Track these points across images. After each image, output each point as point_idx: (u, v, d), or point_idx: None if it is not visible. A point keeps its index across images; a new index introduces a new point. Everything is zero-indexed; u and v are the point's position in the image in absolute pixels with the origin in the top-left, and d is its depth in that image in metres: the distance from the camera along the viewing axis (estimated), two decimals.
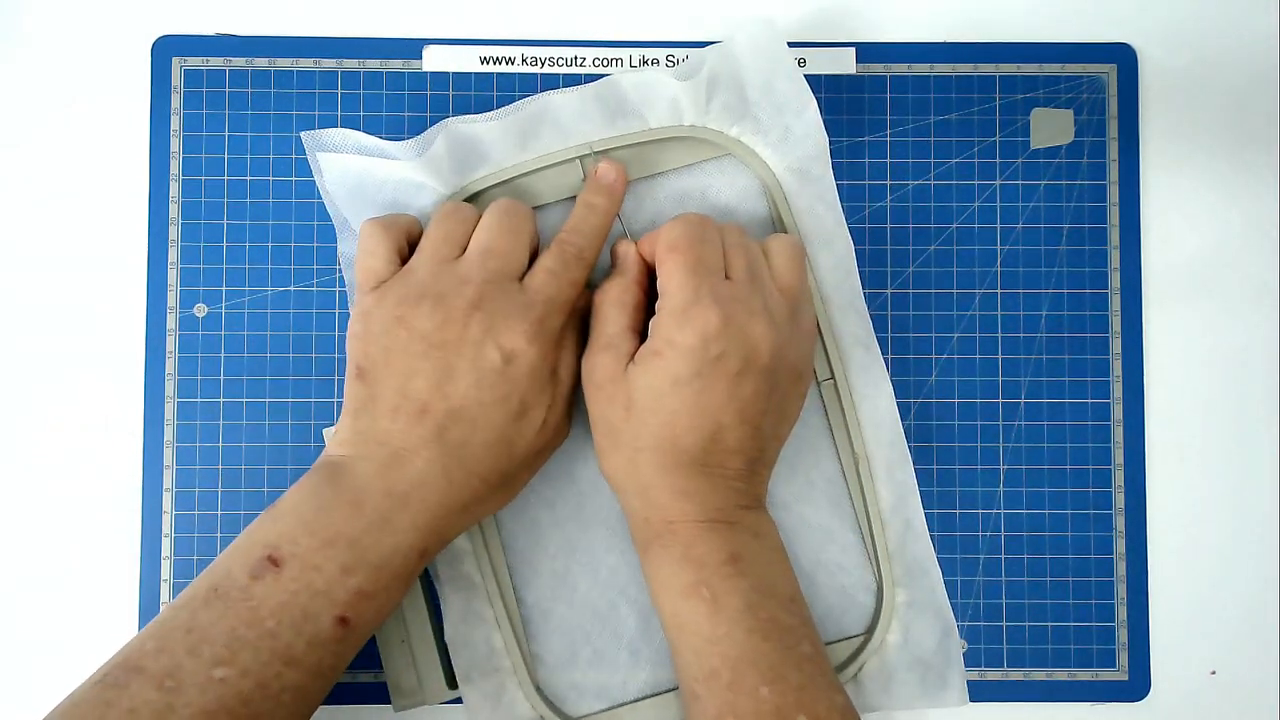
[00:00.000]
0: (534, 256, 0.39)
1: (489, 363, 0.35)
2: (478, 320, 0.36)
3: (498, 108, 0.43)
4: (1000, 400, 0.45)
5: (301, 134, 0.43)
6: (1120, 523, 0.44)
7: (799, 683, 0.34)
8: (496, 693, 0.41)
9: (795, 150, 0.42)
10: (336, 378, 0.44)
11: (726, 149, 0.43)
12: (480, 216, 0.39)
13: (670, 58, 0.45)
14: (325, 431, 0.43)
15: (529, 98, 0.42)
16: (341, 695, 0.43)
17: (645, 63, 0.45)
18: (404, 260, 0.38)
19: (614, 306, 0.38)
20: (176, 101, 0.45)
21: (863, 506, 0.43)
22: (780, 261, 0.39)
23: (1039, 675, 0.44)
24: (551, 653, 0.42)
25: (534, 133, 0.42)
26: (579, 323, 0.40)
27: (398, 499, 0.35)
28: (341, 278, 0.44)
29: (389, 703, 0.42)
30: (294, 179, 0.44)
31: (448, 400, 0.35)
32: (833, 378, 0.42)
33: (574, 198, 0.42)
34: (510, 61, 0.45)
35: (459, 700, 0.42)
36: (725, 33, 0.45)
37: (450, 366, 0.36)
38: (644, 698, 0.42)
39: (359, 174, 0.41)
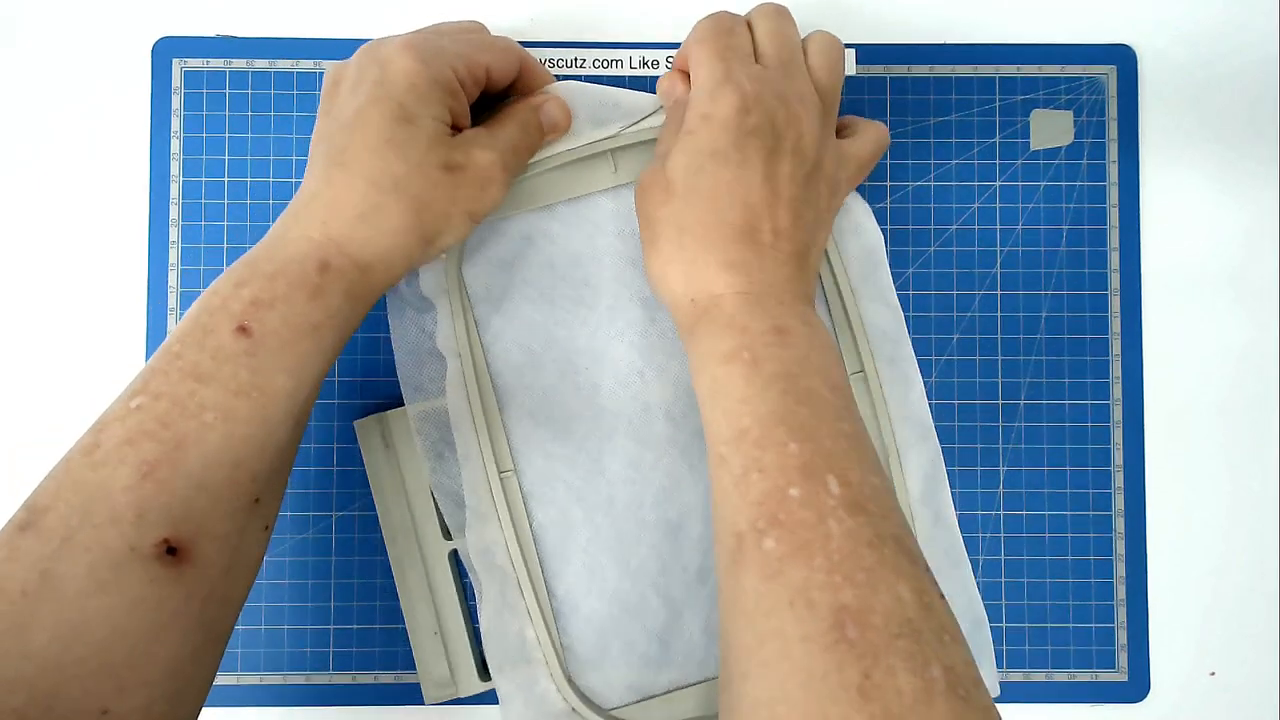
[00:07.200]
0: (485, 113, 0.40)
1: (369, 75, 0.36)
2: (371, 50, 0.37)
3: None
4: (1000, 400, 0.45)
5: None
6: (1120, 523, 0.44)
7: (831, 449, 0.32)
8: (529, 684, 0.41)
9: None
10: (336, 378, 0.44)
11: None
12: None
13: (670, 59, 0.45)
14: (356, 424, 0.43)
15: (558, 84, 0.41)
16: (361, 696, 0.44)
17: (645, 64, 0.45)
18: None
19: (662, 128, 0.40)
20: (177, 102, 0.45)
21: None
22: (818, 61, 0.39)
23: (1038, 676, 0.44)
24: (583, 645, 0.42)
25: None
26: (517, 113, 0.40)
27: (291, 216, 0.36)
28: None
29: (412, 702, 0.42)
30: (294, 179, 0.44)
31: (332, 117, 0.37)
32: (862, 370, 0.42)
33: (602, 190, 0.43)
34: None
35: (489, 695, 0.42)
36: None
37: (338, 92, 0.38)
38: (675, 690, 0.42)
39: None
